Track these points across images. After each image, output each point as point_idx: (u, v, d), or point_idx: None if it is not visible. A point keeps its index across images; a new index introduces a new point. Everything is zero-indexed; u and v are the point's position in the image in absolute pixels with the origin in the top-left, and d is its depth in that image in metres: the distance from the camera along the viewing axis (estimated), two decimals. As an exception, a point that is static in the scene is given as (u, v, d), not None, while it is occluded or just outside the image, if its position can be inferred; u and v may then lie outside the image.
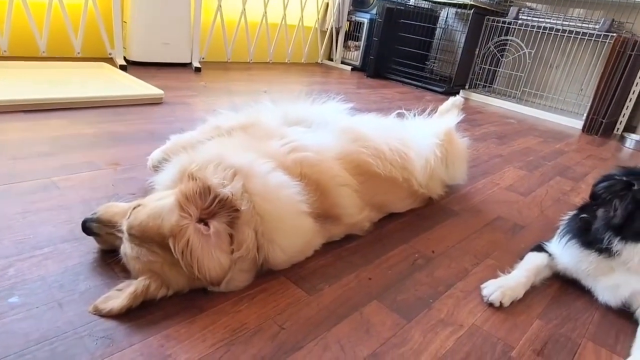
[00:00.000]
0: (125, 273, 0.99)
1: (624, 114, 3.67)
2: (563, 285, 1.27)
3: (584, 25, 3.78)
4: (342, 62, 5.08)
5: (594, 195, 1.20)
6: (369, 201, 1.33)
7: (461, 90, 4.35)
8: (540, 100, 4.23)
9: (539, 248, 1.32)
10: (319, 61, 5.08)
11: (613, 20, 3.61)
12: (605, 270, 1.16)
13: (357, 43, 4.98)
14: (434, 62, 4.88)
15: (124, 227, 0.95)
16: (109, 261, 1.03)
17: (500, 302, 1.11)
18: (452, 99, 1.88)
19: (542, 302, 1.18)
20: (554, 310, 1.15)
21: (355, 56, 5.01)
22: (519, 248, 1.43)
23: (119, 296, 0.90)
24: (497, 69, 4.41)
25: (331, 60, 5.12)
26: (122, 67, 3.01)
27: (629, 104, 3.63)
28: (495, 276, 1.22)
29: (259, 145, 1.19)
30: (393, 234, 1.41)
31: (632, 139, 3.30)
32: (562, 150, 2.90)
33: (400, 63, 4.63)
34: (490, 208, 1.75)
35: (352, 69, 4.92)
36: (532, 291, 1.21)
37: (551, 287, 1.26)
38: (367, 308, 1.04)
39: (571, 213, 1.31)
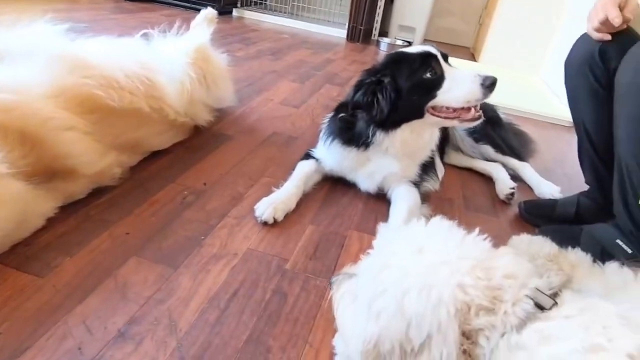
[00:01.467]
0: None
1: (377, 21, 4.08)
2: (332, 186, 1.33)
3: None
4: (90, -17, 4.18)
5: (355, 105, 1.21)
6: (114, 143, 1.10)
7: (234, 9, 4.13)
8: (309, 13, 4.35)
9: (307, 156, 1.34)
10: (58, -17, 4.07)
11: None
12: (364, 162, 1.24)
13: (102, -42, 4.13)
14: (200, -21, 4.45)
15: None
16: None
17: (274, 219, 1.09)
18: (203, 12, 1.68)
19: (314, 206, 1.21)
20: (324, 212, 1.20)
21: (105, -25, 4.17)
22: (292, 160, 1.42)
23: None
24: (265, -16, 4.30)
25: (74, -19, 4.16)
26: None
27: (379, 11, 4.04)
28: (270, 193, 1.19)
29: None
30: (157, 174, 1.23)
31: (384, 42, 3.73)
32: (330, 59, 3.07)
33: (161, -19, 4.07)
34: (265, 125, 1.71)
35: (105, -9, 4.11)
36: (305, 198, 1.23)
37: (321, 190, 1.31)
38: (124, 269, 0.87)
39: (329, 115, 1.34)
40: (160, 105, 1.23)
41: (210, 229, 1.04)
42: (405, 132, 1.16)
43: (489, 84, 1.05)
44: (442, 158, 1.56)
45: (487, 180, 1.53)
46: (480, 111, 1.11)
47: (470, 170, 1.58)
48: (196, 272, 0.90)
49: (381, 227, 0.73)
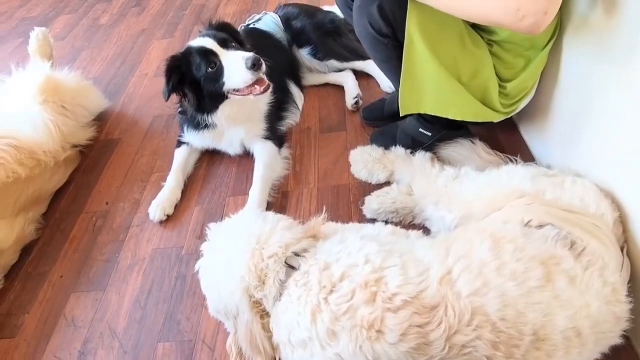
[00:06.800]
0: None
1: None
2: (210, 157, 1.57)
3: None
4: None
5: (170, 93, 1.36)
6: (14, 209, 1.31)
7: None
8: None
9: (179, 143, 1.55)
10: None
11: None
12: (220, 136, 1.47)
13: None
14: None
15: None
16: None
17: (166, 215, 1.37)
18: (34, 35, 1.68)
19: (197, 186, 1.48)
20: (206, 188, 1.47)
21: None
22: (174, 145, 1.60)
23: None
24: None
25: None
26: None
27: None
28: (160, 190, 1.43)
29: None
30: (67, 211, 1.47)
31: None
32: (196, -13, 2.94)
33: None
34: (145, 112, 1.85)
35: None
36: (189, 180, 1.49)
37: (202, 165, 1.55)
38: (68, 306, 1.20)
39: (178, 107, 1.49)
40: (37, 158, 1.39)
41: (121, 244, 1.33)
42: (226, 110, 1.37)
43: (251, 65, 1.22)
44: (300, 84, 1.75)
45: (342, 90, 1.73)
46: (267, 82, 1.30)
47: (327, 84, 1.78)
48: (119, 286, 1.22)
49: (210, 229, 1.01)
